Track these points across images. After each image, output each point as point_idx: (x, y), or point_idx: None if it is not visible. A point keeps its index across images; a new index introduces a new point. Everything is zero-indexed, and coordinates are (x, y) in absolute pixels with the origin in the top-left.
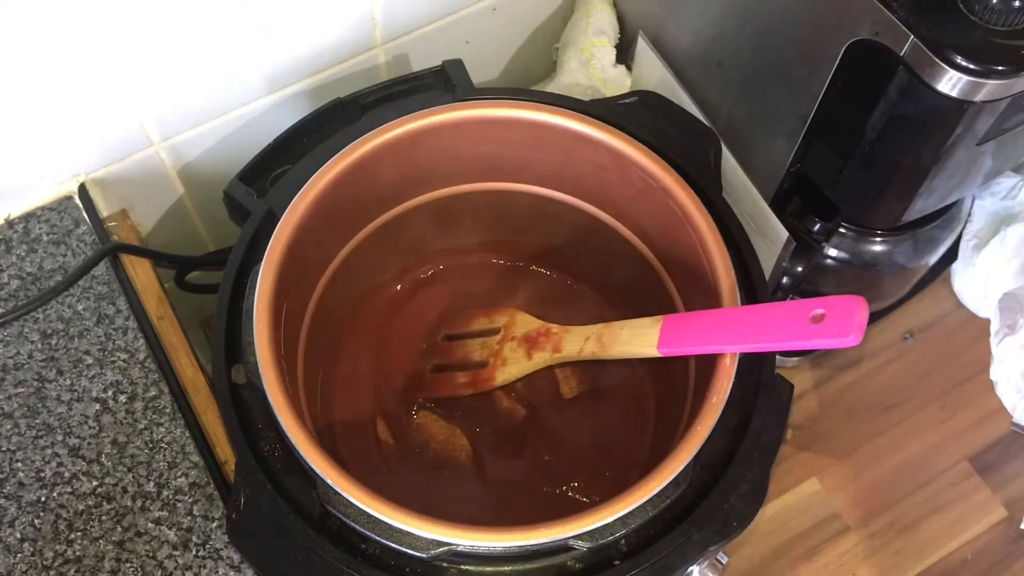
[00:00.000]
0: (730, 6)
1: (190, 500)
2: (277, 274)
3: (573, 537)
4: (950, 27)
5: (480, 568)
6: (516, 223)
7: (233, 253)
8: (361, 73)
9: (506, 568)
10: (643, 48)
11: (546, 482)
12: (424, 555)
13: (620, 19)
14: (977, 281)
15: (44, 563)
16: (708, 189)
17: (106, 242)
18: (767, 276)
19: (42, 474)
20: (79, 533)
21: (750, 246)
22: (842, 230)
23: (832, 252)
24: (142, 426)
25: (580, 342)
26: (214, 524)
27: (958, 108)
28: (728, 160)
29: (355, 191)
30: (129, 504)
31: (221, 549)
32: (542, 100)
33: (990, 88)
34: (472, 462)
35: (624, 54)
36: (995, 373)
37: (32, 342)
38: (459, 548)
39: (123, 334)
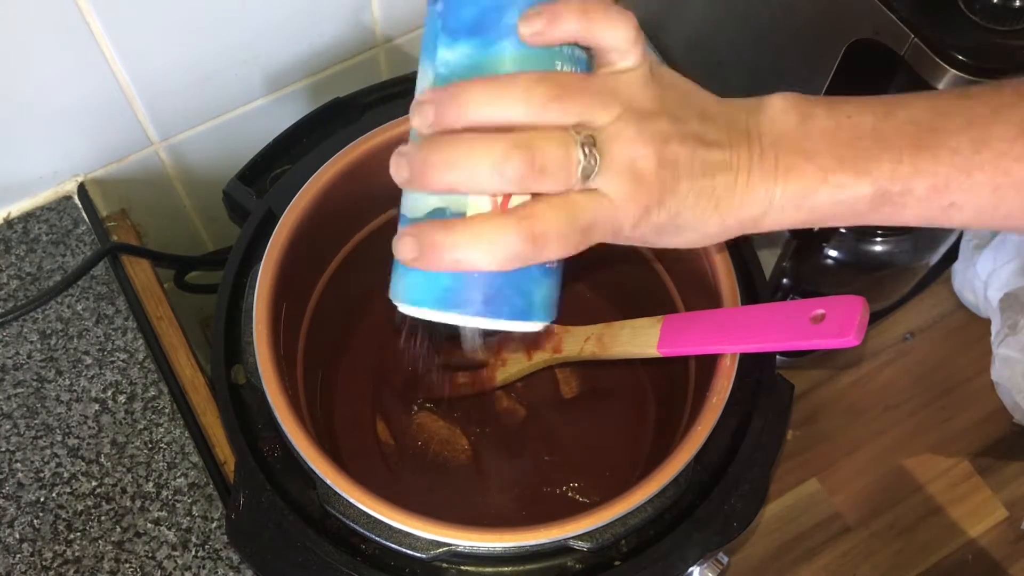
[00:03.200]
0: (731, 6)
1: (189, 500)
2: (277, 274)
3: (573, 538)
4: (950, 27)
5: (480, 569)
6: None
7: (233, 253)
8: (361, 72)
9: (506, 569)
10: None
11: (546, 482)
12: (424, 556)
13: None
14: (978, 281)
15: (43, 563)
16: None
17: (105, 242)
18: (767, 276)
19: (41, 474)
20: (78, 533)
21: (750, 246)
22: (842, 230)
23: (832, 252)
24: (141, 426)
25: (580, 342)
26: (214, 524)
27: None
28: None
29: (355, 191)
30: (128, 504)
31: (220, 549)
32: None
33: None
34: (472, 462)
35: None
36: (996, 374)
37: (31, 342)
38: (459, 549)
39: (122, 334)
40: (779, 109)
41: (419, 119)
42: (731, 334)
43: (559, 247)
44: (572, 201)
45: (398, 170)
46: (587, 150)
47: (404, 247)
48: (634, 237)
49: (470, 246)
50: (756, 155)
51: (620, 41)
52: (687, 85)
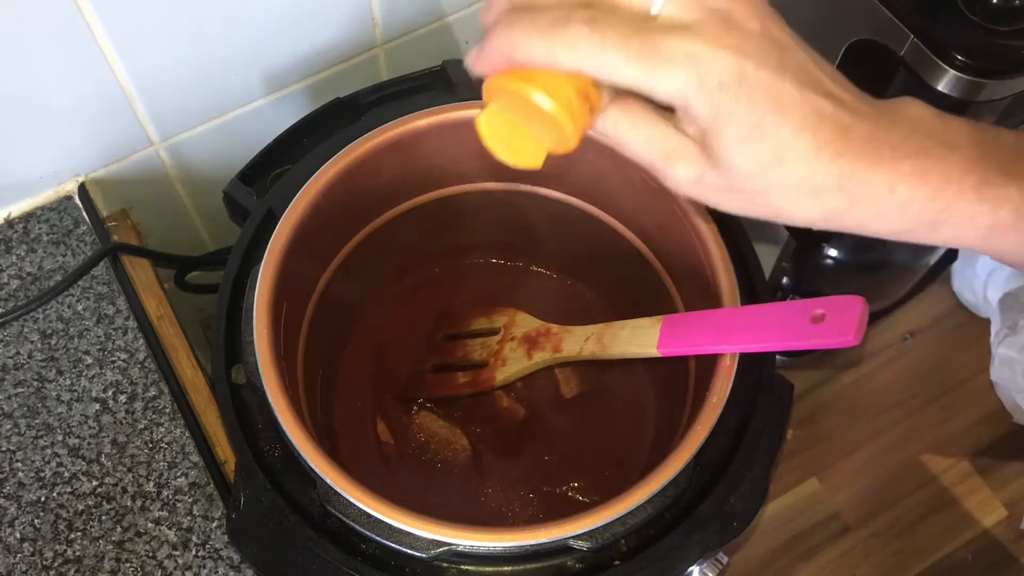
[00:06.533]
0: None
1: (190, 500)
2: (277, 274)
3: (573, 537)
4: (950, 27)
5: (480, 568)
6: (516, 223)
7: (233, 253)
8: (361, 73)
9: (506, 568)
10: None
11: (546, 482)
12: (424, 555)
13: None
14: (977, 281)
15: (44, 563)
16: None
17: (106, 242)
18: (767, 276)
19: (42, 474)
20: (79, 533)
21: (750, 246)
22: None
23: (832, 252)
24: (142, 426)
25: (580, 342)
26: (214, 524)
27: (959, 108)
28: None
29: (355, 191)
30: (129, 504)
31: (221, 549)
32: None
33: (991, 88)
34: (472, 462)
35: None
36: (995, 374)
37: (32, 342)
38: (459, 548)
39: (123, 334)
40: (912, 101)
41: None
42: (731, 334)
43: (618, 51)
44: (646, 23)
45: (481, 13)
46: None
47: (470, 55)
48: (725, 129)
49: (525, 27)
50: (880, 120)
51: None
52: None
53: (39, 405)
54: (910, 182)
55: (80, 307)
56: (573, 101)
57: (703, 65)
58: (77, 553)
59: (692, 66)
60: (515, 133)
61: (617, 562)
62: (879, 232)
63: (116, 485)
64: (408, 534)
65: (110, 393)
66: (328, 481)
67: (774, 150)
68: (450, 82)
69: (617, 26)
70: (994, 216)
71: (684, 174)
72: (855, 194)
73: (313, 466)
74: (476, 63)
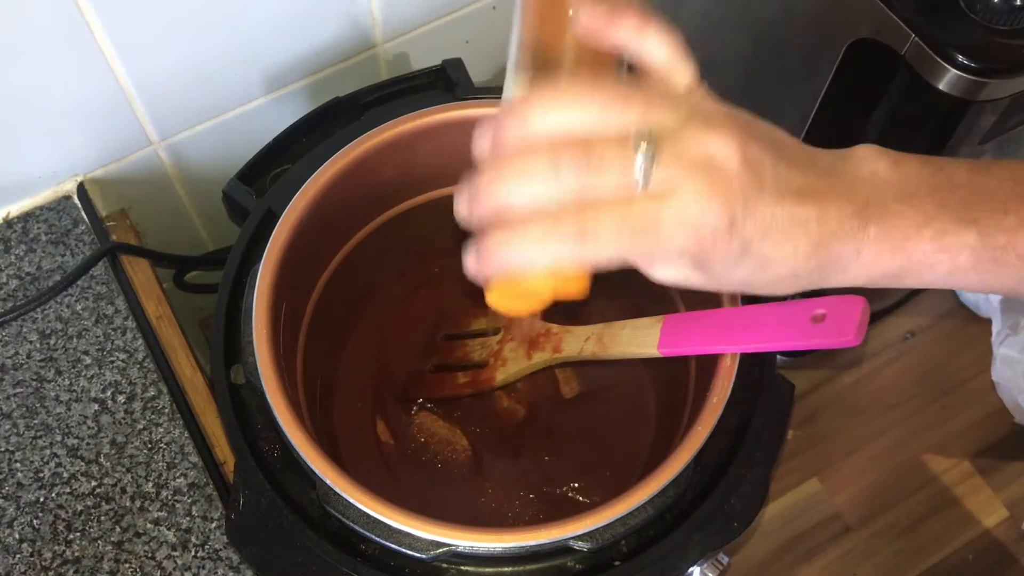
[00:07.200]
0: (731, 6)
1: (189, 500)
2: (276, 274)
3: (573, 538)
4: (951, 26)
5: (480, 569)
6: None
7: (232, 253)
8: (360, 72)
9: (506, 569)
10: None
11: (546, 482)
12: (424, 556)
13: None
14: None
15: (43, 564)
16: None
17: (105, 242)
18: None
19: (41, 474)
20: (78, 534)
21: None
22: None
23: None
24: (141, 426)
25: (580, 342)
26: (213, 524)
27: (960, 107)
28: None
29: (354, 190)
30: (128, 504)
31: (220, 550)
32: None
33: (992, 87)
34: (472, 462)
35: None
36: (996, 374)
37: (31, 342)
38: (459, 549)
39: (122, 334)
40: (867, 153)
41: (477, 149)
42: (731, 334)
43: (612, 244)
44: (633, 200)
45: (458, 207)
46: (649, 144)
47: (468, 261)
48: (717, 258)
49: (518, 242)
50: (844, 192)
51: (671, 55)
52: (755, 117)
53: (38, 405)
54: (875, 245)
55: (79, 307)
56: (578, 276)
57: (695, 225)
58: (76, 554)
59: (685, 229)
60: (524, 293)
61: (617, 563)
62: (846, 286)
63: (115, 485)
64: (408, 535)
65: (109, 393)
66: (327, 481)
67: (760, 260)
68: (450, 82)
69: (607, 224)
70: (953, 263)
71: (668, 276)
72: (828, 267)
73: (312, 466)
74: (478, 273)
